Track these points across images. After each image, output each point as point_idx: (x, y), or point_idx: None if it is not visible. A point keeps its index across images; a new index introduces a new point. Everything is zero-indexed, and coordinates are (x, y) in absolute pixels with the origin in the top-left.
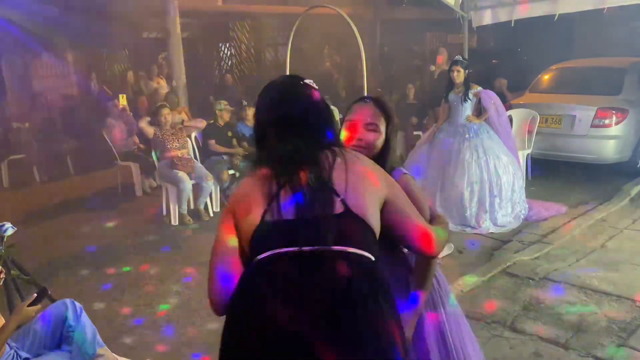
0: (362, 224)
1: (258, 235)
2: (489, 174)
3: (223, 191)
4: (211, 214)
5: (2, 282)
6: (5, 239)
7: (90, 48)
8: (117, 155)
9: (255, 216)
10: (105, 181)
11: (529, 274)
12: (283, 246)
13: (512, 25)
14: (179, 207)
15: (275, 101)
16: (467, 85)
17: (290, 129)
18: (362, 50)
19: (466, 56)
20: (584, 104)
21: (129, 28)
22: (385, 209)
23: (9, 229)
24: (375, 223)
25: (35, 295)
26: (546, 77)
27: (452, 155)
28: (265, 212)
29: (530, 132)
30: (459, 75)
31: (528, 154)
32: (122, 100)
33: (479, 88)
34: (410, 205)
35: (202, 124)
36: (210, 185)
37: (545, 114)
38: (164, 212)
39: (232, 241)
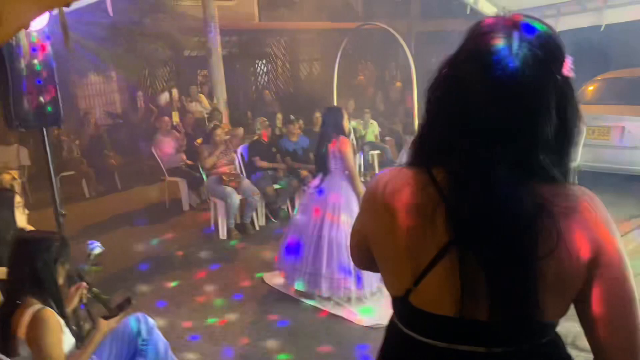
0: None
1: None
2: None
3: (268, 206)
4: (257, 228)
5: (85, 299)
6: (92, 257)
7: (134, 67)
8: (165, 171)
9: None
10: (152, 196)
11: None
12: None
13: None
14: (227, 222)
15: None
16: None
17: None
18: (412, 66)
19: None
20: (633, 115)
21: (172, 47)
22: None
23: (97, 248)
24: None
25: (117, 306)
26: (590, 88)
27: None
28: None
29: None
30: None
31: (574, 167)
32: (175, 118)
33: None
34: None
35: (240, 131)
36: (257, 200)
37: (592, 125)
38: (212, 227)
39: None
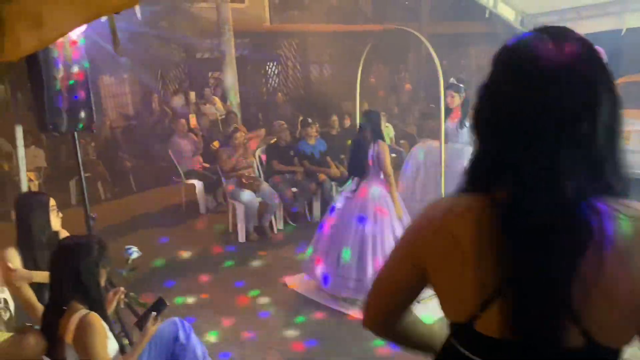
0: None
1: None
2: None
3: (286, 209)
4: (275, 231)
5: (122, 303)
6: (130, 262)
7: (149, 69)
8: (182, 174)
9: None
10: (167, 198)
11: None
12: None
13: None
14: (246, 225)
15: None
16: (465, 110)
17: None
18: (439, 72)
19: None
20: None
21: (186, 49)
22: None
23: (135, 253)
24: None
25: (155, 313)
26: None
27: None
28: None
29: None
30: (453, 100)
31: None
32: (192, 121)
33: None
34: None
35: (262, 132)
36: (276, 204)
37: None
38: (230, 229)
39: None
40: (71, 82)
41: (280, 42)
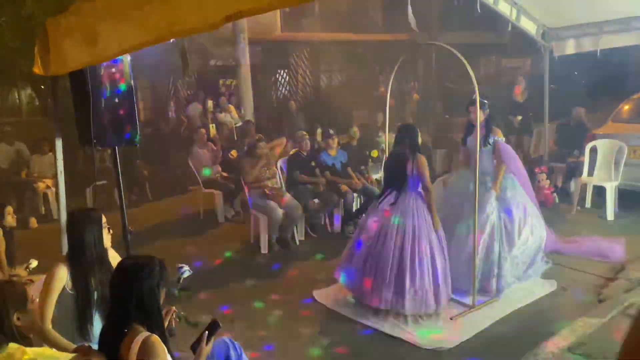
0: None
1: None
2: (510, 234)
3: (308, 220)
4: (297, 243)
5: (173, 322)
6: (182, 281)
7: (159, 76)
8: (201, 183)
9: None
10: (184, 207)
11: None
12: None
13: (598, 55)
14: (269, 236)
15: None
16: (488, 127)
17: None
18: (475, 87)
19: (547, 85)
20: None
21: (202, 57)
22: None
23: (186, 272)
24: None
25: (207, 332)
26: (627, 107)
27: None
28: None
29: (617, 163)
30: (477, 116)
31: (615, 186)
32: (212, 130)
33: (502, 138)
34: None
35: (283, 140)
36: (299, 214)
37: (633, 144)
38: (252, 240)
39: None
40: (117, 97)
41: (290, 51)
